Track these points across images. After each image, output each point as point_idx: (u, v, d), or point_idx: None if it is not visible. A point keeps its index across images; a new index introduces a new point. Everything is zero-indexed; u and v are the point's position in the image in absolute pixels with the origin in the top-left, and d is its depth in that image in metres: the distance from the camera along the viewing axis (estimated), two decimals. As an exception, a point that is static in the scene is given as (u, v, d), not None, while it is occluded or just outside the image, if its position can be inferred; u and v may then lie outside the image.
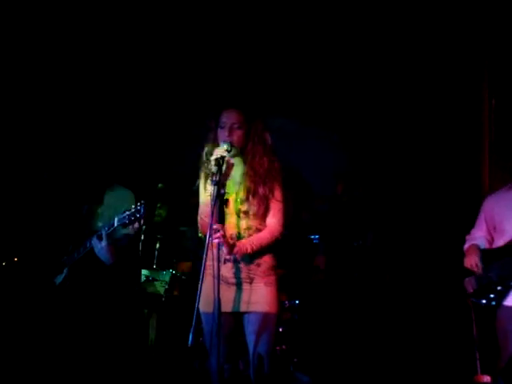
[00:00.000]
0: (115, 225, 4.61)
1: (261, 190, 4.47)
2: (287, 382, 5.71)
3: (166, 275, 6.28)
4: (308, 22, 6.50)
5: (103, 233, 4.69)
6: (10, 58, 6.10)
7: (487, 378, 5.49)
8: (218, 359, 4.17)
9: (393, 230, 6.72)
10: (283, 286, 6.09)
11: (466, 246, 5.29)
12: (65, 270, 5.00)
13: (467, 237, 5.33)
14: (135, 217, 4.47)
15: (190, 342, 3.96)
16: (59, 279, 5.02)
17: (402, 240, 6.70)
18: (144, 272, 6.26)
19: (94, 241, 4.73)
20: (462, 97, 6.52)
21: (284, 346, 5.94)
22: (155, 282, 6.23)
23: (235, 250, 4.32)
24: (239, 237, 4.42)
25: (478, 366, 5.58)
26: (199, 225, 4.55)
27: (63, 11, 6.11)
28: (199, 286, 4.06)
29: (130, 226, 4.53)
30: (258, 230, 4.46)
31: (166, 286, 6.21)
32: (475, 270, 5.10)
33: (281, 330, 6.02)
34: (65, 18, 6.14)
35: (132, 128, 6.53)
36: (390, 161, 6.85)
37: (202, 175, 4.57)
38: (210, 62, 6.63)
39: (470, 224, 5.36)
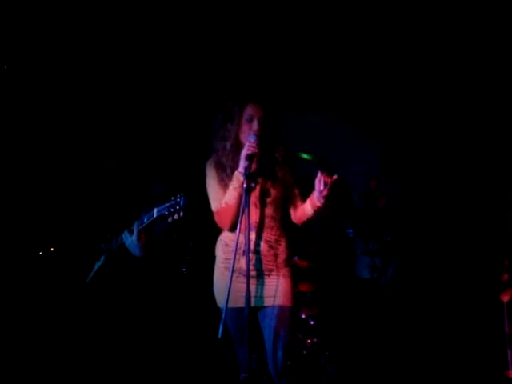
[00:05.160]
0: (154, 216, 4.55)
1: (280, 178, 4.48)
2: (317, 374, 5.73)
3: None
4: (336, 16, 6.48)
5: (135, 227, 4.71)
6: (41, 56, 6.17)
7: (518, 374, 5.50)
8: (247, 350, 4.07)
9: (422, 226, 6.71)
10: (314, 280, 6.21)
11: None
12: (102, 258, 5.06)
13: None
14: (175, 209, 4.40)
15: (220, 334, 4.00)
16: (96, 266, 5.08)
17: (431, 233, 6.68)
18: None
19: (125, 234, 4.76)
20: (497, 91, 6.48)
21: (315, 339, 5.97)
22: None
23: None
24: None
25: (510, 361, 5.58)
26: (220, 213, 4.42)
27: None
28: (228, 280, 4.06)
29: (170, 218, 4.44)
30: (274, 219, 4.44)
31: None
32: None
33: (312, 323, 6.07)
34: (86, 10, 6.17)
35: (163, 122, 6.56)
36: (423, 155, 6.83)
37: (212, 166, 4.51)
38: (233, 54, 6.62)
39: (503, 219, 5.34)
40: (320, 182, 4.23)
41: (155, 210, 4.56)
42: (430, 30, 6.44)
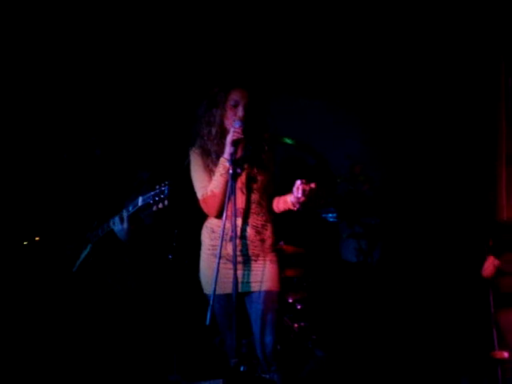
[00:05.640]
0: (139, 204, 4.61)
1: (266, 164, 4.48)
2: (304, 358, 5.75)
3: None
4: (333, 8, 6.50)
5: (124, 214, 4.74)
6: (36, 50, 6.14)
7: (505, 354, 5.52)
8: (235, 336, 4.10)
9: (406, 209, 6.73)
10: (300, 264, 6.21)
11: None
12: (88, 247, 5.06)
13: None
14: (159, 197, 4.45)
15: (207, 321, 4.01)
16: (83, 255, 5.08)
17: (416, 216, 6.70)
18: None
19: (115, 220, 4.79)
20: (480, 78, 6.48)
21: (303, 323, 5.99)
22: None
23: None
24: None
25: (496, 342, 5.61)
26: (206, 200, 4.42)
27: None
28: (215, 267, 4.08)
29: (154, 206, 4.49)
30: (260, 204, 4.45)
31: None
32: None
33: (299, 307, 6.09)
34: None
35: (149, 109, 6.53)
36: (406, 143, 6.83)
37: (196, 153, 4.51)
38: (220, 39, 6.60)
39: (486, 200, 5.37)
40: (298, 190, 4.23)
41: (140, 199, 4.61)
42: (416, 20, 6.47)
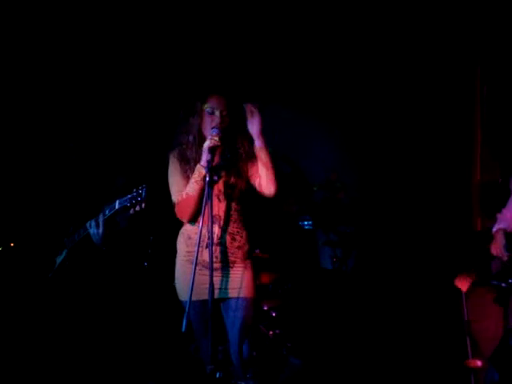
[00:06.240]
0: (116, 207, 4.64)
1: (243, 172, 4.49)
2: (280, 365, 5.76)
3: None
4: (310, 14, 6.52)
5: (100, 218, 4.75)
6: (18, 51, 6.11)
7: (478, 363, 5.55)
8: (211, 342, 4.10)
9: (383, 217, 6.76)
10: (276, 273, 6.22)
11: (495, 228, 5.31)
12: (64, 252, 5.06)
13: (498, 215, 5.35)
14: (136, 200, 4.49)
15: (183, 328, 4.01)
16: (58, 260, 5.07)
17: (390, 225, 6.74)
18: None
19: (91, 224, 4.80)
20: (455, 84, 6.54)
21: (278, 331, 5.99)
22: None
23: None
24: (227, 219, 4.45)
25: (469, 350, 5.65)
26: (179, 205, 4.42)
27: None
28: (192, 274, 4.07)
29: (131, 209, 4.53)
30: (237, 211, 4.47)
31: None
32: (501, 257, 5.17)
33: (274, 314, 6.09)
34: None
35: (129, 114, 6.52)
36: (382, 147, 6.87)
37: (176, 158, 4.52)
38: (199, 48, 6.61)
39: (460, 209, 5.41)
40: (250, 113, 4.35)
41: (117, 202, 4.65)
42: (393, 25, 6.51)
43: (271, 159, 4.42)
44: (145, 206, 4.48)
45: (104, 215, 4.74)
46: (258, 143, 4.40)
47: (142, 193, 4.48)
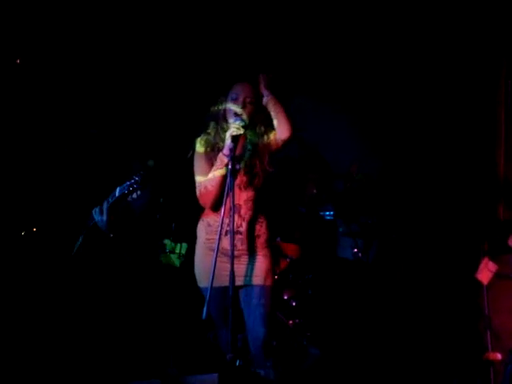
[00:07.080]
0: (116, 194, 4.69)
1: (265, 162, 4.50)
2: (299, 355, 5.76)
3: (183, 248, 6.29)
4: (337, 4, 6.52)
5: (104, 205, 4.78)
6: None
7: (498, 355, 5.53)
8: (231, 330, 4.14)
9: (405, 208, 6.73)
10: (297, 262, 6.22)
11: None
12: (80, 238, 5.10)
13: None
14: (133, 187, 4.57)
15: (204, 315, 4.03)
16: (75, 247, 5.11)
17: (412, 216, 6.71)
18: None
19: (97, 210, 4.83)
20: (480, 77, 6.49)
21: (297, 320, 5.99)
22: (170, 254, 6.25)
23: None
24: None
25: (489, 343, 5.63)
26: (201, 195, 4.48)
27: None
28: (213, 261, 4.10)
29: (129, 197, 4.67)
30: (257, 201, 4.50)
31: (183, 259, 6.23)
32: None
33: (294, 304, 6.09)
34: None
35: (153, 102, 6.52)
36: (406, 138, 6.83)
37: (203, 144, 4.56)
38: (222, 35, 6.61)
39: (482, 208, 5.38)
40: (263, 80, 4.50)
41: (117, 189, 4.71)
42: (417, 20, 6.49)
43: (280, 104, 4.46)
44: (140, 193, 4.62)
45: (108, 202, 4.77)
46: (266, 94, 4.47)
47: (138, 179, 4.56)
